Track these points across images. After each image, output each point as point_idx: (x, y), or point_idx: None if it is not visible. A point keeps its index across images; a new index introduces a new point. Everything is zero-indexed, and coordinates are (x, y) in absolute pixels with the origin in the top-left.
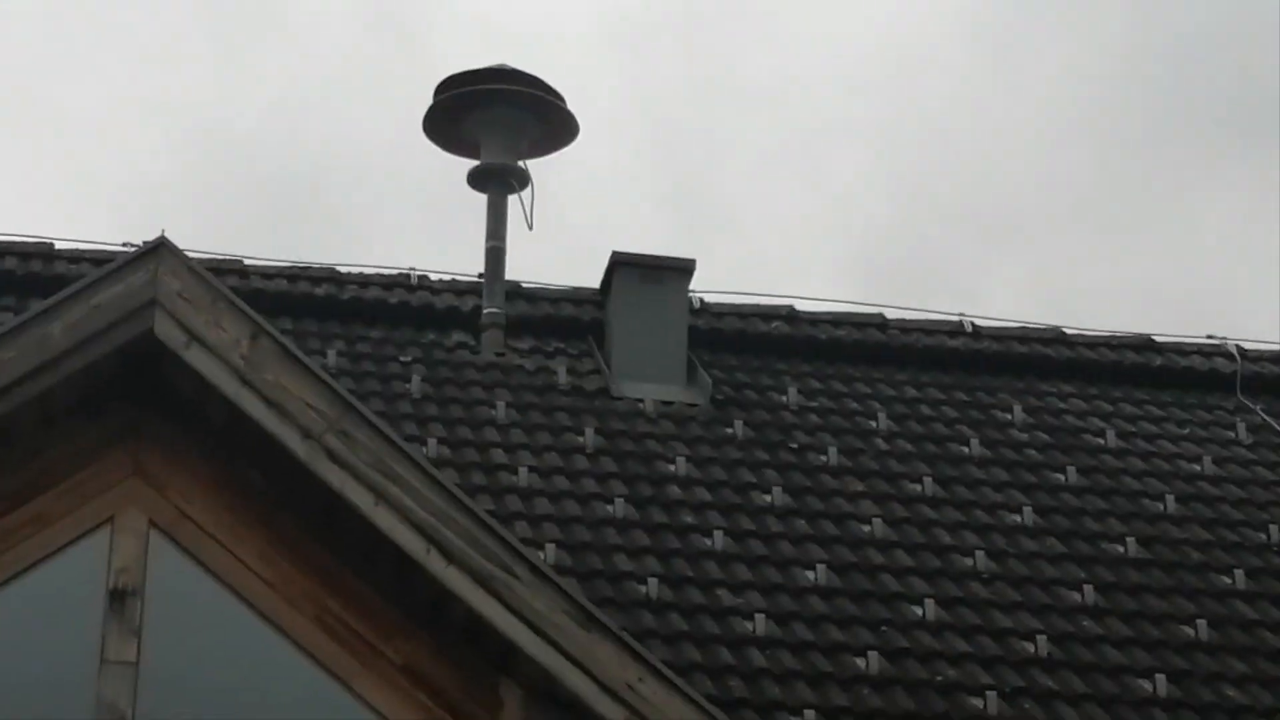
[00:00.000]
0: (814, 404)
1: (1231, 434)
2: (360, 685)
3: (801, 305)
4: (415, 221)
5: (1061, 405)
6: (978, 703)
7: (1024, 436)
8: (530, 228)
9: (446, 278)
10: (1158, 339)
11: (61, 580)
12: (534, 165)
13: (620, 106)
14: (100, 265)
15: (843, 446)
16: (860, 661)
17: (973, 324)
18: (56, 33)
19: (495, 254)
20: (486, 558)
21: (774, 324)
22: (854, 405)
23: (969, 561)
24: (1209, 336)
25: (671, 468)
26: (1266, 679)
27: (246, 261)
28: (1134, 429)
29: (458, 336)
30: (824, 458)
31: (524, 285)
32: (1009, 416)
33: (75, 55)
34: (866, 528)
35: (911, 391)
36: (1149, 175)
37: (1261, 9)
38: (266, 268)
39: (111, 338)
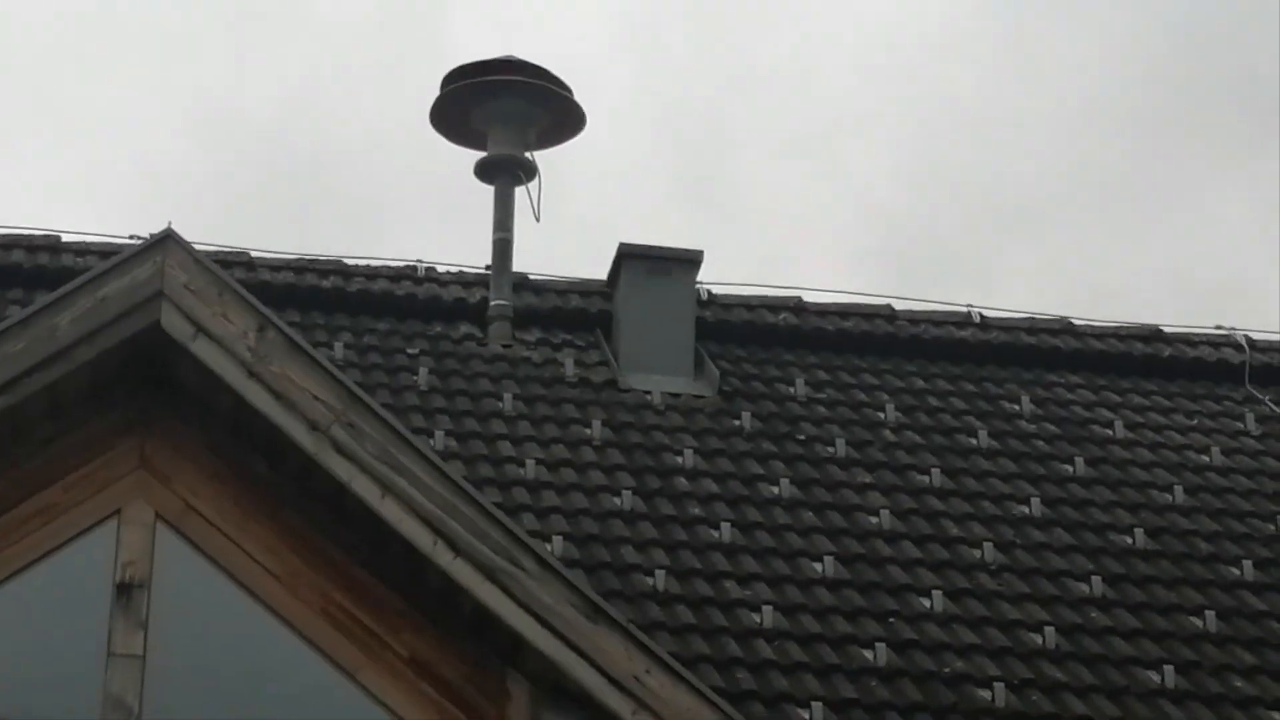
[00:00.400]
0: (821, 395)
1: (1240, 424)
2: (366, 678)
3: (809, 296)
4: (424, 213)
5: (1069, 396)
6: (985, 694)
7: (1032, 427)
8: (538, 219)
9: (454, 269)
10: (1166, 330)
11: (69, 573)
12: (542, 157)
13: (633, 95)
14: (107, 258)
15: (850, 438)
16: (868, 653)
17: (980, 315)
18: (67, 23)
19: (502, 246)
20: (493, 550)
21: (781, 315)
22: (861, 396)
23: (976, 553)
24: (1217, 327)
25: (679, 460)
26: (1275, 670)
27: (253, 254)
28: (1142, 420)
29: (465, 328)
30: (831, 449)
31: (531, 277)
32: (1017, 407)
33: (86, 46)
34: (874, 519)
35: (919, 383)
36: (1167, 164)
37: None
38: (273, 260)
39: (118, 330)
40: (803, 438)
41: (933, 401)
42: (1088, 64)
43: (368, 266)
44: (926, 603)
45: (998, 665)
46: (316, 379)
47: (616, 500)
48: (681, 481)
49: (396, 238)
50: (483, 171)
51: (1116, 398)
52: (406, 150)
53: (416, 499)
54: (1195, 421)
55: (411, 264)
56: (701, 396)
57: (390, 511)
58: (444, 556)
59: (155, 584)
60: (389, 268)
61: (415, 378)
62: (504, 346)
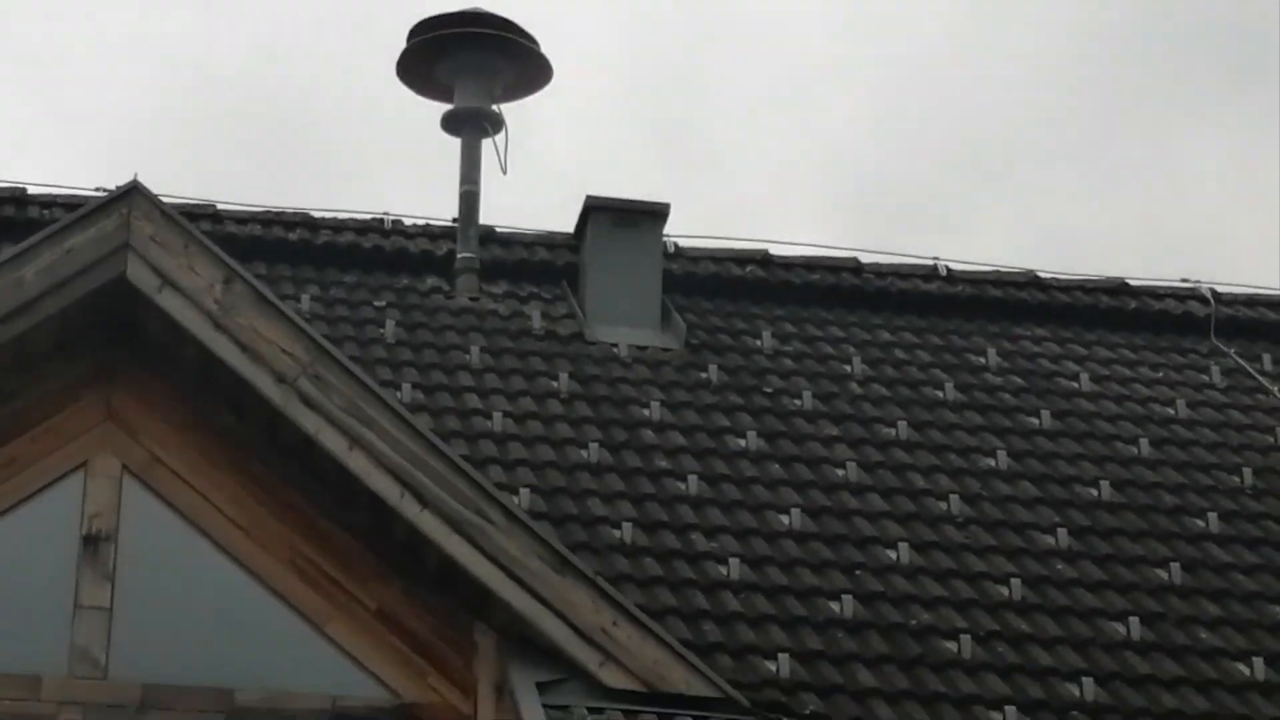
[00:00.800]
0: (788, 348)
1: (1205, 377)
2: (334, 629)
3: (777, 249)
4: (392, 165)
5: (1035, 349)
6: (952, 646)
7: (998, 380)
8: (504, 172)
9: (420, 222)
10: (1131, 282)
11: (35, 525)
12: (510, 109)
13: (604, 46)
14: (73, 210)
15: (817, 391)
16: (834, 605)
17: (947, 267)
18: None
19: (469, 198)
20: (461, 502)
21: (748, 268)
22: (828, 349)
23: (943, 505)
24: (1183, 280)
25: (645, 412)
26: (1239, 622)
27: (220, 206)
28: (1108, 373)
29: (432, 281)
30: (798, 402)
31: (498, 230)
32: (983, 360)
33: None
34: (840, 472)
35: (885, 335)
36: (1137, 116)
37: None
38: (240, 212)
39: (84, 282)
40: (769, 390)
41: (899, 354)
42: (1058, 15)
43: (335, 219)
44: (893, 555)
45: (964, 617)
46: (283, 331)
47: (583, 453)
48: (648, 434)
49: (364, 190)
50: (449, 124)
51: (1082, 350)
52: (375, 102)
53: (384, 451)
54: (1160, 374)
55: (378, 216)
56: (668, 349)
57: (358, 464)
58: (411, 509)
59: (122, 536)
60: (356, 220)
61: (382, 330)
62: (471, 299)
